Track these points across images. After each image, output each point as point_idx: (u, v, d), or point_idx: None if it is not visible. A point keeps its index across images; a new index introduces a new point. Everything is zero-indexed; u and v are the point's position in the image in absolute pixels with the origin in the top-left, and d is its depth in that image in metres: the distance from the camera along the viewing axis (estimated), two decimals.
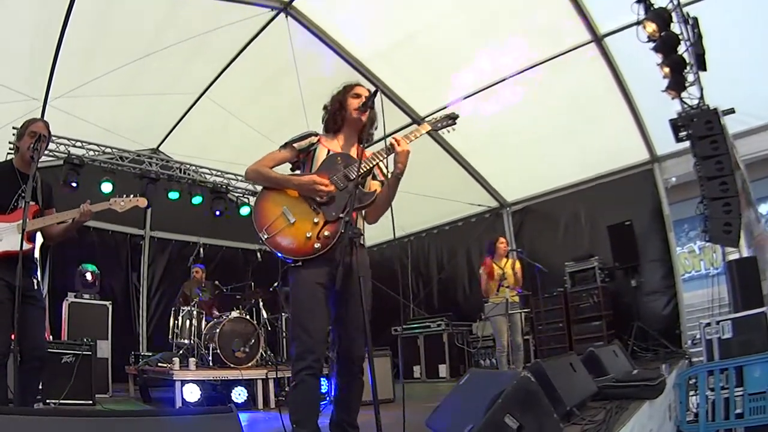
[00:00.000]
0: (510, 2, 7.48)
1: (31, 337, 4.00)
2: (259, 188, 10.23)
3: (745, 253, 6.73)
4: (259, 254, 9.69)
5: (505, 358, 7.82)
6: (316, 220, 3.31)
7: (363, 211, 3.55)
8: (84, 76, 7.50)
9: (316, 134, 3.58)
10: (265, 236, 3.34)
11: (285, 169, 3.58)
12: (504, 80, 8.60)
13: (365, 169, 3.43)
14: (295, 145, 3.51)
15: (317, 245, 3.26)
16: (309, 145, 3.52)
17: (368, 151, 3.55)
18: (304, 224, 3.32)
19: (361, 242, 3.42)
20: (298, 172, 3.59)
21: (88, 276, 8.89)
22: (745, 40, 7.08)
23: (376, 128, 3.72)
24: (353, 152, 3.53)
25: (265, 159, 3.52)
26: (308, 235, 3.28)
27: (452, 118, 3.72)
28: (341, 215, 3.28)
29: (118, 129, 8.90)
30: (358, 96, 3.55)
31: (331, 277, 3.16)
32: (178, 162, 10.07)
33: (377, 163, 3.49)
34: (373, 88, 3.53)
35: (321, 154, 3.51)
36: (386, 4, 7.63)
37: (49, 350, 5.31)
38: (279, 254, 3.35)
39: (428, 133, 3.63)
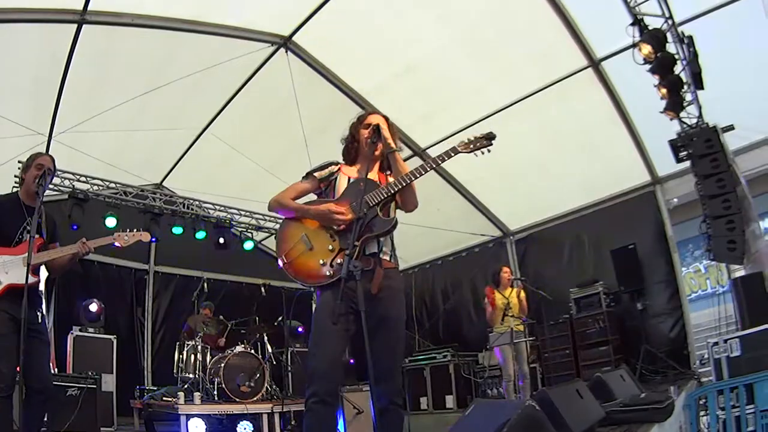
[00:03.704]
0: (507, 31, 7.55)
1: (36, 370, 4.01)
2: (261, 223, 10.30)
3: (743, 270, 6.71)
4: (263, 289, 9.69)
5: (512, 387, 7.77)
6: (331, 248, 3.32)
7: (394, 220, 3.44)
8: (88, 112, 7.58)
9: (337, 163, 3.63)
10: (284, 261, 3.39)
11: (311, 199, 3.61)
12: (503, 109, 8.64)
13: (387, 195, 3.35)
14: (315, 174, 3.55)
15: (328, 272, 3.25)
16: (329, 174, 3.55)
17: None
18: (320, 251, 3.33)
19: (389, 260, 3.42)
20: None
21: (93, 308, 8.88)
22: (741, 54, 7.13)
23: (400, 149, 3.66)
24: (376, 178, 3.51)
25: (288, 190, 3.57)
26: (321, 262, 3.29)
27: (489, 139, 3.46)
28: (356, 244, 3.17)
29: (122, 164, 8.95)
30: (369, 126, 3.56)
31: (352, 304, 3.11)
32: (182, 197, 10.14)
33: (399, 190, 3.37)
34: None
35: (342, 182, 3.51)
36: (385, 36, 7.71)
37: (54, 383, 5.29)
38: (296, 279, 3.37)
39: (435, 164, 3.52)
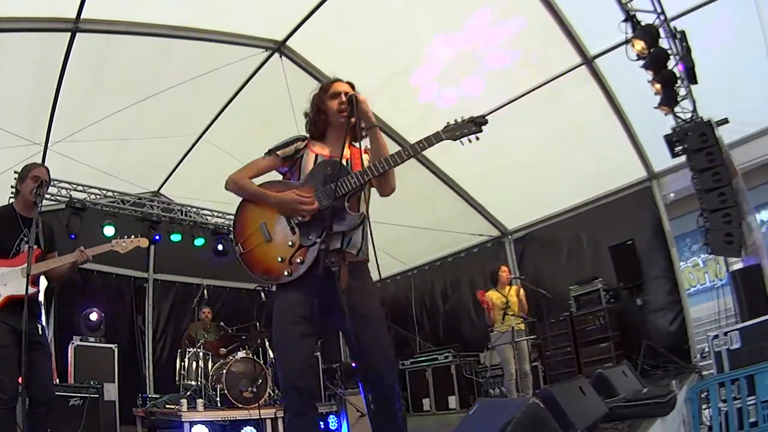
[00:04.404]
0: (500, 30, 7.57)
1: (38, 381, 4.02)
2: None
3: (740, 263, 6.73)
4: (263, 294, 9.67)
5: (515, 386, 7.77)
6: (290, 242, 3.01)
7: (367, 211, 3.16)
8: (83, 121, 7.56)
9: (304, 138, 3.28)
10: (240, 251, 3.14)
11: (273, 177, 3.31)
12: (498, 108, 8.63)
13: (357, 185, 3.02)
14: (279, 152, 3.20)
15: (286, 272, 2.98)
16: (295, 151, 3.21)
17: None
18: (279, 244, 3.04)
19: (356, 254, 3.10)
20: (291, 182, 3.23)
21: (93, 318, 8.86)
22: (733, 48, 7.17)
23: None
24: (346, 155, 3.16)
25: (247, 168, 3.23)
26: (279, 259, 3.01)
27: (478, 124, 3.03)
28: (318, 240, 2.95)
29: (119, 172, 8.95)
30: (336, 95, 3.21)
31: (313, 305, 2.92)
32: (180, 204, 10.11)
33: (370, 179, 3.04)
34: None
35: (308, 161, 3.18)
36: (380, 39, 7.71)
37: (56, 393, 5.29)
38: (251, 274, 3.11)
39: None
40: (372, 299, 3.12)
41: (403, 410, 3.07)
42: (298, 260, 2.97)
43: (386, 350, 3.06)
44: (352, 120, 3.12)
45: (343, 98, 3.18)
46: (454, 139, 3.03)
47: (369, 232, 3.19)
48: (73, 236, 8.10)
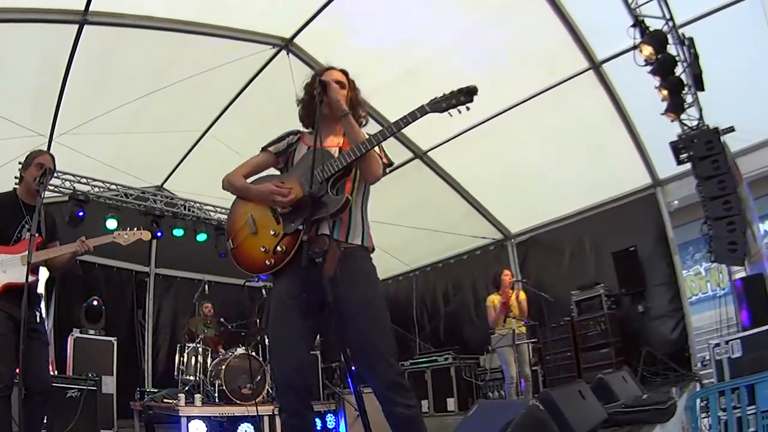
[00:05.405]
0: (508, 34, 7.55)
1: (35, 370, 3.97)
2: None
3: (743, 272, 6.70)
4: (264, 291, 9.66)
5: (514, 390, 7.74)
6: (273, 232, 2.95)
7: (360, 200, 3.08)
8: (89, 113, 7.56)
9: (298, 132, 3.24)
10: (231, 246, 3.11)
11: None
12: (504, 112, 8.63)
13: (338, 169, 2.90)
14: (270, 148, 3.18)
15: (269, 261, 2.92)
16: (287, 146, 3.18)
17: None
18: (263, 236, 2.99)
19: (346, 240, 2.95)
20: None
21: (94, 303, 8.87)
22: (741, 56, 7.13)
23: (365, 112, 3.29)
24: (339, 143, 3.13)
25: (241, 166, 3.19)
26: (263, 249, 2.95)
27: (468, 93, 2.86)
28: (300, 227, 2.86)
29: (123, 166, 8.95)
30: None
31: (304, 297, 2.74)
32: (183, 199, 10.12)
33: (352, 161, 2.91)
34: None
35: (300, 154, 3.12)
36: (387, 38, 7.72)
37: (54, 385, 5.26)
38: (240, 269, 3.07)
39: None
40: (365, 288, 2.94)
41: (412, 413, 2.82)
42: (280, 248, 2.91)
43: (378, 344, 2.84)
44: (326, 110, 3.07)
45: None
46: (441, 111, 2.88)
47: (364, 220, 3.09)
48: (81, 213, 8.15)
